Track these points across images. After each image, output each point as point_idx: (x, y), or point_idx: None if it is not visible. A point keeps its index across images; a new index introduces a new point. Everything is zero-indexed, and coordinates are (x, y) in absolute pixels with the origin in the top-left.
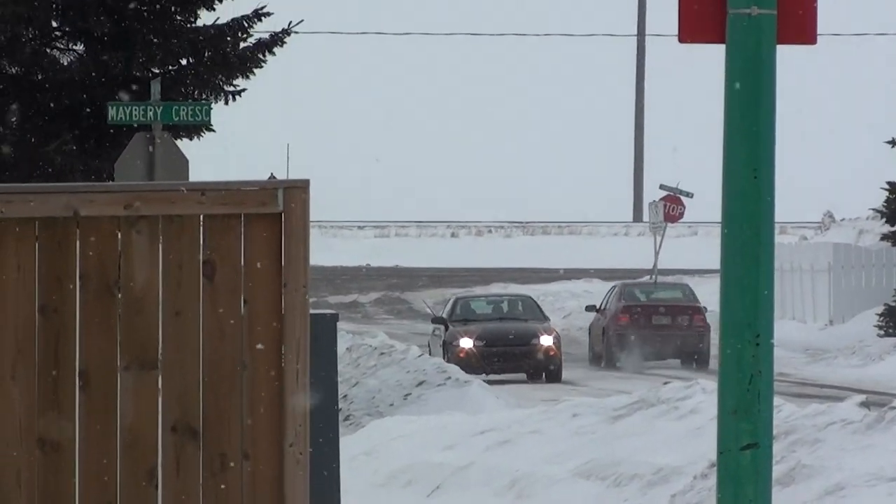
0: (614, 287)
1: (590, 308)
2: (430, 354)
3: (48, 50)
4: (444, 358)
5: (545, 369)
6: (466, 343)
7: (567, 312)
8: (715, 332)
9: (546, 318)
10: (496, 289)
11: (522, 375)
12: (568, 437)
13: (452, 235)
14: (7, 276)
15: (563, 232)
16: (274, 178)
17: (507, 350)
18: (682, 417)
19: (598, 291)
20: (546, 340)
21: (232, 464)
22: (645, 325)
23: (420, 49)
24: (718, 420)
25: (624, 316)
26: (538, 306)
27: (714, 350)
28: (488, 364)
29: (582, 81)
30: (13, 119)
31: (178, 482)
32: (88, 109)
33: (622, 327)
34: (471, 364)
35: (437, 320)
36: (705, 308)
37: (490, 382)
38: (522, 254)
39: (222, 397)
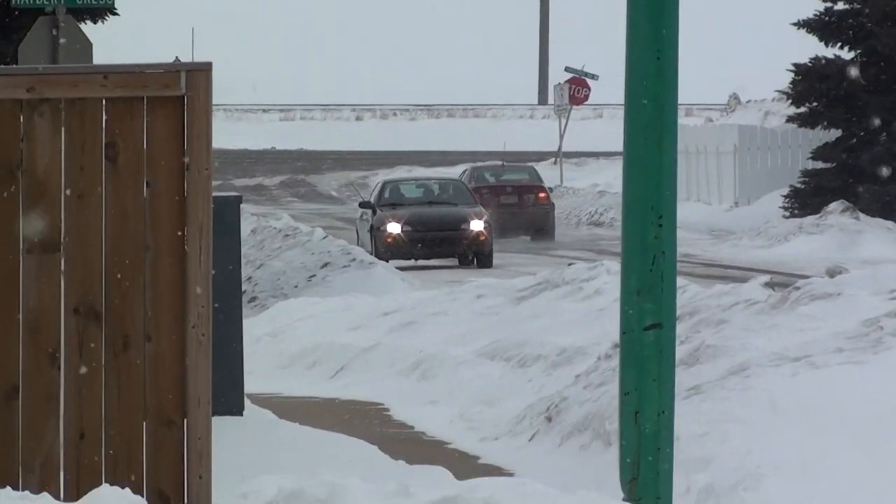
0: (465, 170)
1: None
2: (357, 240)
3: None
4: (371, 243)
5: (476, 254)
6: (394, 228)
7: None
8: (560, 210)
9: (476, 203)
10: (400, 173)
11: (453, 260)
12: (472, 319)
13: (357, 119)
14: None
15: (468, 115)
16: (178, 61)
17: (437, 235)
18: (586, 298)
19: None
20: (476, 225)
21: (134, 345)
22: (494, 204)
23: None
24: (622, 301)
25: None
26: (469, 190)
27: (559, 227)
28: (417, 249)
29: None
30: None
31: (81, 364)
32: None
33: None
34: (399, 249)
35: (364, 205)
36: (550, 188)
37: (420, 268)
38: (427, 137)
39: (125, 279)
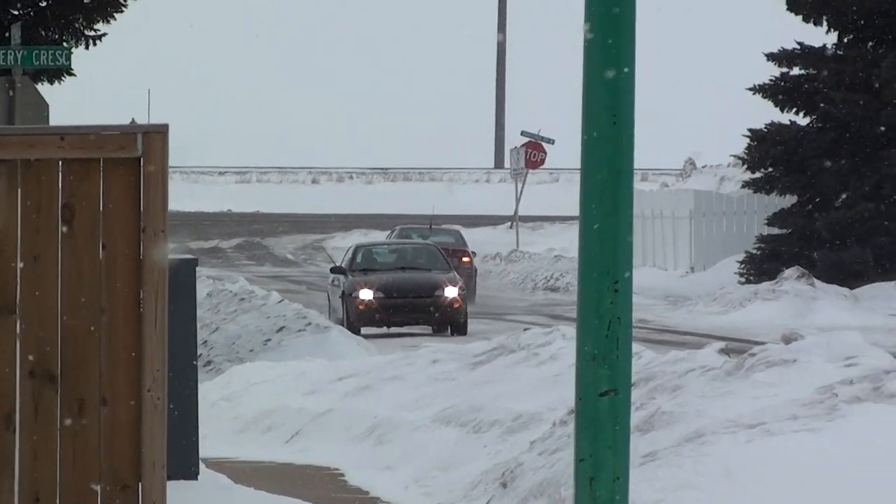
0: (394, 230)
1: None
2: (328, 306)
3: None
4: (342, 310)
5: (450, 322)
6: (367, 294)
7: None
8: (480, 275)
9: (450, 269)
10: (356, 236)
11: (427, 328)
12: (428, 384)
13: (314, 181)
14: None
15: (424, 178)
16: (134, 122)
17: (410, 302)
18: (541, 364)
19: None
20: (451, 292)
21: (90, 409)
22: None
23: None
24: (577, 366)
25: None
26: (443, 256)
27: (480, 290)
28: (390, 316)
29: (444, 26)
30: None
31: (36, 427)
32: None
33: None
34: (371, 316)
35: (336, 270)
36: (473, 252)
37: (392, 336)
38: (384, 200)
39: (81, 342)
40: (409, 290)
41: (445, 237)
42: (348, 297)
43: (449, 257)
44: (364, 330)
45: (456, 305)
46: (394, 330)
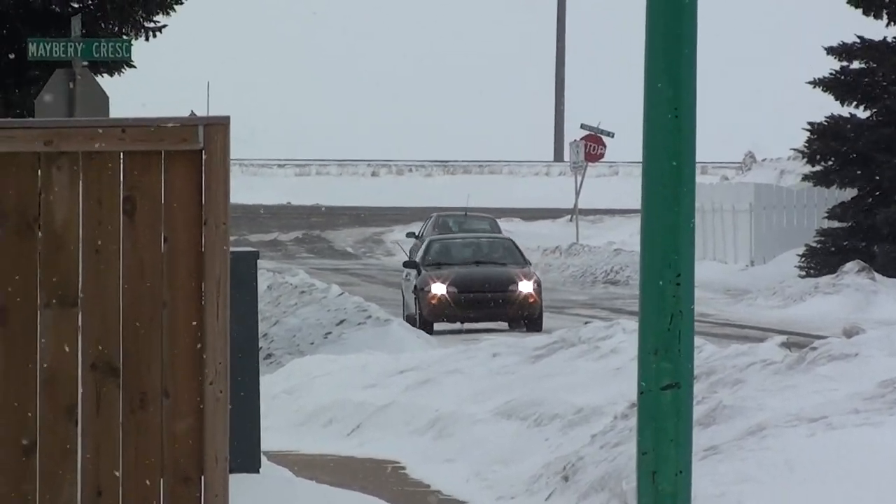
0: (430, 217)
1: (410, 235)
2: (402, 301)
3: None
4: (415, 305)
5: (525, 317)
6: (439, 289)
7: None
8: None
9: (527, 262)
10: (416, 228)
11: (502, 324)
12: (488, 377)
13: (373, 174)
14: None
15: (483, 171)
16: (194, 115)
17: (483, 297)
18: (602, 357)
19: (518, 231)
20: (525, 287)
21: (152, 401)
22: None
23: None
24: (639, 360)
25: None
26: (518, 249)
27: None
28: (463, 312)
29: (503, 19)
30: None
31: (98, 420)
32: (8, 45)
33: None
34: (445, 311)
35: (409, 264)
36: (509, 238)
37: (467, 331)
38: (444, 193)
39: (143, 335)
40: (483, 284)
41: (480, 223)
42: (420, 291)
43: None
44: (437, 325)
45: (531, 301)
46: (467, 325)
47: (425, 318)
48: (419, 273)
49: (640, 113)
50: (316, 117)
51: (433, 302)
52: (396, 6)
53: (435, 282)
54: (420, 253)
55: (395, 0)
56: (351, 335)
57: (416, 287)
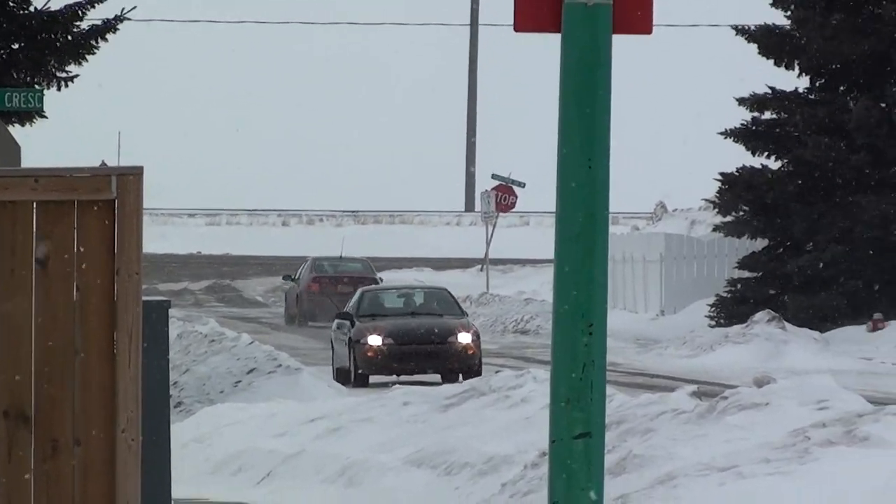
0: (307, 260)
1: (286, 277)
2: (332, 353)
3: None
4: (349, 357)
5: (464, 369)
6: (376, 341)
7: None
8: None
9: (464, 314)
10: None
11: (436, 376)
12: (399, 425)
13: (283, 224)
14: None
15: (394, 221)
16: (105, 164)
17: (422, 348)
18: (512, 406)
19: (429, 280)
20: (464, 338)
21: (64, 450)
22: (332, 290)
23: (253, 37)
24: (551, 409)
25: (314, 285)
26: (455, 300)
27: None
28: (401, 364)
29: (415, 69)
30: None
31: (10, 467)
32: None
33: (312, 294)
34: (381, 364)
35: (341, 315)
36: (381, 279)
37: (402, 383)
38: (354, 243)
39: (55, 383)
40: (421, 336)
41: (354, 265)
42: (356, 343)
43: (358, 283)
44: (373, 378)
45: (470, 352)
46: (403, 378)
47: (361, 370)
48: (353, 325)
49: (552, 163)
50: (226, 168)
51: (369, 354)
52: (305, 59)
53: (371, 333)
54: (353, 304)
55: (302, 55)
56: (261, 384)
57: (350, 339)
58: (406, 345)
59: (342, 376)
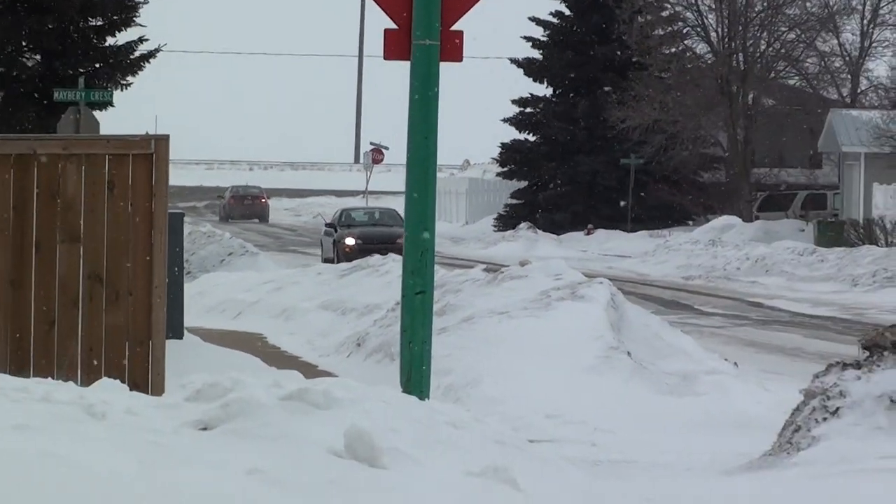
0: (229, 188)
1: (329, 226)
2: (321, 248)
3: (20, 57)
4: (333, 251)
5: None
6: (350, 241)
7: (316, 214)
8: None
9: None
10: (276, 202)
11: None
12: (315, 286)
13: (208, 168)
14: None
15: (312, 169)
16: (148, 134)
17: (379, 247)
18: (381, 275)
19: (331, 203)
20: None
21: (121, 296)
22: (240, 203)
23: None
24: (403, 277)
25: (231, 199)
26: (399, 216)
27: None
28: (365, 256)
29: (312, 86)
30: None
31: (91, 306)
32: (43, 95)
33: (231, 205)
34: (353, 256)
35: (329, 226)
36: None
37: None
38: (283, 181)
39: (118, 258)
40: (379, 237)
41: (254, 189)
42: (338, 243)
43: (255, 199)
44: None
45: None
46: None
47: (341, 260)
48: (336, 231)
49: (405, 134)
50: (223, 126)
51: (347, 250)
52: (198, 91)
53: (348, 237)
54: (336, 218)
55: (198, 85)
56: (235, 261)
57: (335, 240)
58: (369, 244)
59: (328, 263)
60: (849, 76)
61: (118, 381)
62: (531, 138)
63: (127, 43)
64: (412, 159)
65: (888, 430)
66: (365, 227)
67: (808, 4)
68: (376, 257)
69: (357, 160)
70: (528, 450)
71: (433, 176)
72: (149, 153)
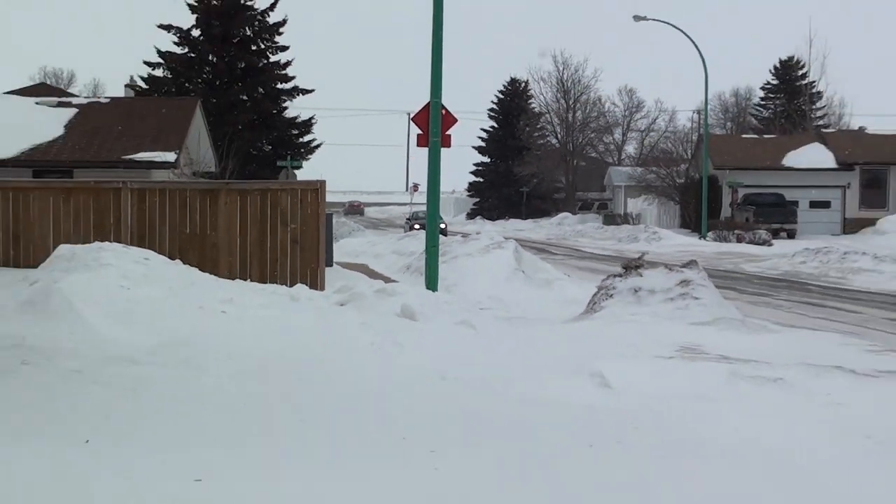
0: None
1: (408, 219)
2: (404, 230)
3: (263, 148)
4: (406, 229)
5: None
6: (416, 227)
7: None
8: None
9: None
10: (368, 209)
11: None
12: (390, 243)
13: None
14: (235, 214)
15: (383, 193)
16: (318, 179)
17: (423, 227)
18: (418, 238)
19: (397, 210)
20: (442, 225)
21: (305, 249)
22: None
23: None
24: (426, 239)
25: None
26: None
27: None
28: (417, 231)
29: (376, 142)
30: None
31: (292, 252)
32: (272, 162)
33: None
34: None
35: (408, 220)
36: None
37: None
38: (369, 199)
39: (305, 233)
40: (422, 224)
41: (356, 202)
42: (411, 228)
43: (358, 206)
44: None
45: (447, 230)
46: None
47: (408, 231)
48: (408, 220)
49: (427, 176)
50: (336, 172)
51: (411, 228)
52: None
53: (416, 226)
54: (410, 215)
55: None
56: (355, 234)
57: (410, 227)
58: (422, 228)
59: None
60: (617, 151)
61: (304, 285)
62: (481, 179)
63: (308, 141)
64: (430, 188)
65: (633, 303)
66: (418, 220)
67: (599, 121)
68: (419, 230)
69: (406, 189)
70: (480, 313)
71: (437, 195)
72: (317, 188)
